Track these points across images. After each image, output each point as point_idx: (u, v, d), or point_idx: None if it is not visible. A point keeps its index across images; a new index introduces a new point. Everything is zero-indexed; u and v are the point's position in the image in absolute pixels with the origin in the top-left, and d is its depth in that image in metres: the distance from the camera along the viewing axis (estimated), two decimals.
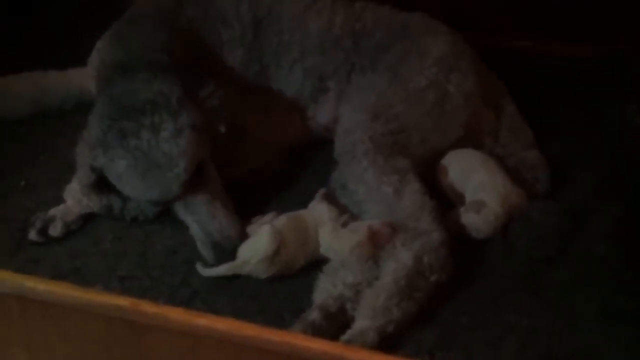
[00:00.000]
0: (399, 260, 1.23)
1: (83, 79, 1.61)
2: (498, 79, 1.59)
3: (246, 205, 1.38)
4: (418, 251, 1.23)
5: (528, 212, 1.35)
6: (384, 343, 1.15)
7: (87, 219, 1.40)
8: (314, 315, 1.17)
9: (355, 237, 1.26)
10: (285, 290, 1.26)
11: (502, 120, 1.53)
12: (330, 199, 1.38)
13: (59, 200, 1.41)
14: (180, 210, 1.32)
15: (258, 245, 1.26)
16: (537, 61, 1.75)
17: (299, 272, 1.29)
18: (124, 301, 0.97)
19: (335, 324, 1.18)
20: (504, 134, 1.52)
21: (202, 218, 1.29)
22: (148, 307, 0.95)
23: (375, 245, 1.25)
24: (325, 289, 1.22)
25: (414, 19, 1.59)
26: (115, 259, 1.32)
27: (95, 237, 1.37)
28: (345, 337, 1.15)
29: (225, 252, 1.27)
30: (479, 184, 1.39)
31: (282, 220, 1.31)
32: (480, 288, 1.27)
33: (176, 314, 0.95)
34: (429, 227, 1.27)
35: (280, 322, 1.18)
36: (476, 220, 1.35)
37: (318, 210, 1.34)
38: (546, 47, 1.76)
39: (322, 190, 1.39)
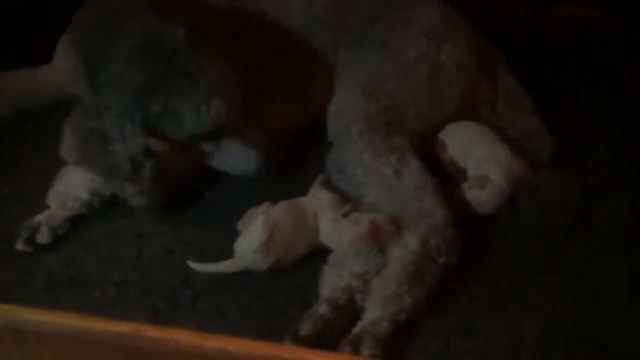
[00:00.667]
0: (405, 245, 1.19)
1: (55, 75, 1.54)
2: (493, 46, 1.53)
3: (241, 197, 1.34)
4: (423, 234, 1.20)
5: (533, 184, 1.32)
6: (397, 331, 1.11)
7: (78, 223, 1.35)
8: (322, 309, 1.13)
9: (355, 229, 1.21)
10: (290, 286, 1.22)
11: (498, 89, 1.47)
12: (330, 185, 1.33)
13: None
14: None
15: (251, 235, 1.22)
16: (537, 26, 1.70)
17: (302, 265, 1.24)
18: (125, 327, 0.92)
19: (345, 316, 1.14)
20: (500, 104, 1.47)
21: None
22: (151, 332, 0.89)
23: (376, 240, 1.21)
24: (332, 281, 1.18)
25: None
26: (110, 264, 1.27)
27: (88, 243, 1.32)
28: (356, 328, 1.11)
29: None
30: (480, 157, 1.35)
31: (278, 207, 1.27)
32: (494, 268, 1.24)
33: (182, 337, 0.90)
34: (432, 207, 1.23)
35: (288, 319, 1.14)
36: (481, 196, 1.31)
37: (318, 198, 1.29)
38: (547, 11, 1.70)
39: (320, 177, 1.34)
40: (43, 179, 1.41)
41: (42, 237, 1.30)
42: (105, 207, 1.37)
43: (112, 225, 1.35)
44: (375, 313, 1.13)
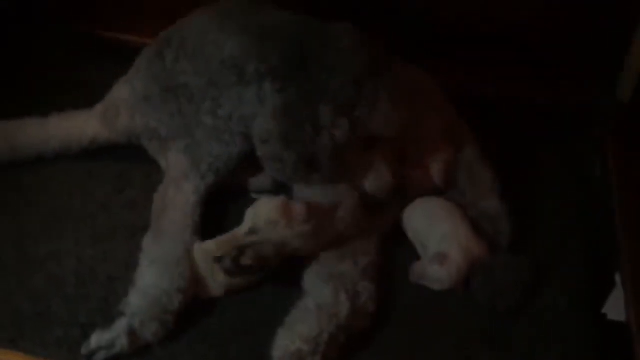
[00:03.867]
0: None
1: (71, 126, 1.56)
2: (465, 124, 1.59)
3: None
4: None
5: (489, 265, 1.37)
6: None
7: (48, 259, 1.38)
8: None
9: (269, 203, 1.31)
10: (249, 339, 1.27)
11: (462, 166, 1.52)
12: None
13: (22, 239, 1.41)
14: None
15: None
16: (509, 109, 1.76)
17: (261, 322, 1.29)
18: None
19: None
20: (463, 182, 1.51)
21: None
22: None
23: (287, 217, 1.30)
24: (284, 345, 1.22)
25: None
26: (78, 305, 1.31)
27: (57, 280, 1.35)
28: None
29: None
30: (443, 234, 1.40)
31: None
32: (442, 342, 1.29)
33: None
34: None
35: None
36: (439, 272, 1.37)
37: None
38: (518, 96, 1.78)
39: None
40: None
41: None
42: (78, 245, 1.41)
43: (84, 265, 1.38)
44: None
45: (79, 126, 1.57)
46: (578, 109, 1.74)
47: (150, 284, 1.29)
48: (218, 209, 1.48)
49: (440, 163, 1.51)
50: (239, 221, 1.40)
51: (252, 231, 1.33)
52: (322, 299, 1.27)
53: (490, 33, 1.75)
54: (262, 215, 1.34)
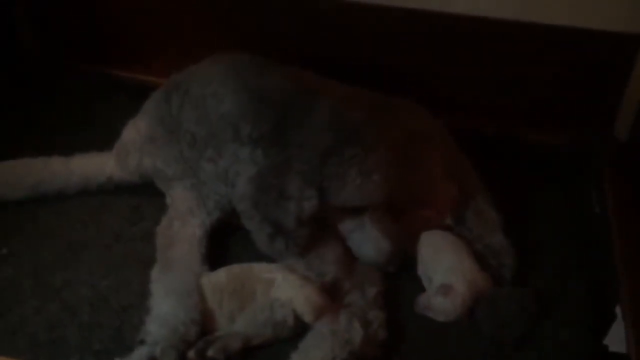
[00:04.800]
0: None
1: (91, 166, 1.63)
2: (470, 163, 1.66)
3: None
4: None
5: (493, 297, 1.41)
6: None
7: (64, 288, 1.42)
8: None
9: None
10: None
11: (468, 204, 1.58)
12: None
13: (39, 269, 1.45)
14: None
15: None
16: (511, 148, 1.82)
17: (272, 350, 1.32)
18: None
19: None
20: (469, 218, 1.57)
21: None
22: None
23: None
24: None
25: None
26: (91, 332, 1.34)
27: (72, 308, 1.39)
28: None
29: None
30: (448, 267, 1.44)
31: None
32: None
33: None
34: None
35: None
36: (444, 303, 1.40)
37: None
38: (520, 135, 1.85)
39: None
40: (37, 243, 1.51)
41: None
42: (93, 275, 1.45)
43: (97, 293, 1.41)
44: None
45: (98, 165, 1.64)
46: (577, 147, 1.80)
47: (168, 313, 1.32)
48: (222, 241, 1.53)
49: (448, 202, 1.57)
50: (241, 252, 1.46)
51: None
52: (336, 326, 1.30)
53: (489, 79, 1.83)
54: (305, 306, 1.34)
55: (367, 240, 1.43)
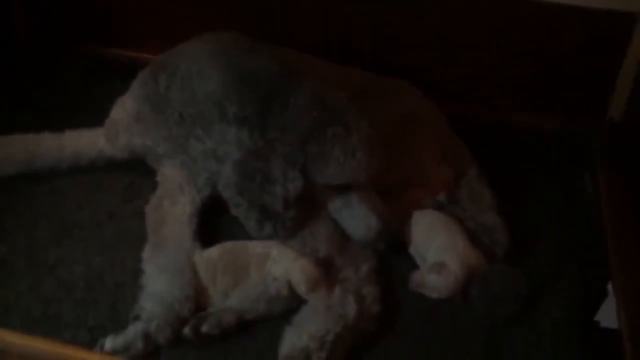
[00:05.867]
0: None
1: (82, 141, 1.63)
2: (464, 145, 1.68)
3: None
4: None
5: (486, 275, 1.41)
6: None
7: (58, 265, 1.42)
8: None
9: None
10: (253, 345, 1.30)
11: (462, 184, 1.60)
12: None
13: (32, 246, 1.45)
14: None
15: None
16: (505, 131, 1.84)
17: (264, 327, 1.32)
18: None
19: None
20: (464, 197, 1.58)
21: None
22: None
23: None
24: (291, 341, 1.26)
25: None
26: (86, 308, 1.35)
27: (66, 285, 1.39)
28: None
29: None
30: (441, 245, 1.45)
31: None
32: (441, 352, 1.33)
33: None
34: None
35: None
36: (437, 281, 1.41)
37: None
38: (513, 119, 1.86)
39: None
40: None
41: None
42: (87, 252, 1.45)
43: (93, 271, 1.42)
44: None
45: (89, 140, 1.64)
46: (569, 131, 1.81)
47: (163, 290, 1.33)
48: (213, 219, 1.53)
49: (441, 181, 1.58)
50: (233, 230, 1.47)
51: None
52: (331, 300, 1.31)
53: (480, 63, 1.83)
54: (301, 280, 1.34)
55: (355, 217, 1.43)
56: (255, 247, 1.40)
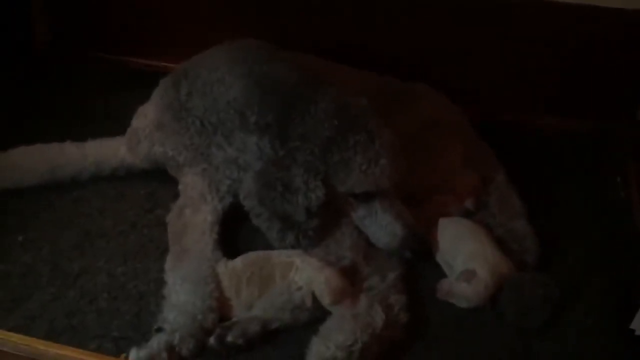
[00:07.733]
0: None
1: (104, 150, 1.63)
2: (491, 150, 1.65)
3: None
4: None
5: (517, 282, 1.38)
6: None
7: (81, 275, 1.41)
8: None
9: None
10: (278, 355, 1.28)
11: (490, 191, 1.57)
12: None
13: (56, 256, 1.44)
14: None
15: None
16: (532, 135, 1.81)
17: (290, 335, 1.30)
18: None
19: None
20: (492, 204, 1.56)
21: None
22: None
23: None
24: (318, 351, 1.24)
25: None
26: (110, 319, 1.33)
27: (90, 295, 1.38)
28: None
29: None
30: (469, 253, 1.42)
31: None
32: (470, 358, 1.30)
33: None
34: None
35: None
36: (466, 289, 1.38)
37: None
38: (541, 122, 1.83)
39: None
40: (54, 230, 1.50)
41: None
42: (110, 262, 1.44)
43: (116, 282, 1.40)
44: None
45: (111, 149, 1.64)
46: (600, 133, 1.77)
47: (186, 301, 1.31)
48: (234, 227, 1.52)
49: (467, 187, 1.56)
50: (254, 239, 1.46)
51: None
52: (357, 309, 1.29)
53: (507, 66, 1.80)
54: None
55: (380, 226, 1.41)
56: (279, 256, 1.38)
